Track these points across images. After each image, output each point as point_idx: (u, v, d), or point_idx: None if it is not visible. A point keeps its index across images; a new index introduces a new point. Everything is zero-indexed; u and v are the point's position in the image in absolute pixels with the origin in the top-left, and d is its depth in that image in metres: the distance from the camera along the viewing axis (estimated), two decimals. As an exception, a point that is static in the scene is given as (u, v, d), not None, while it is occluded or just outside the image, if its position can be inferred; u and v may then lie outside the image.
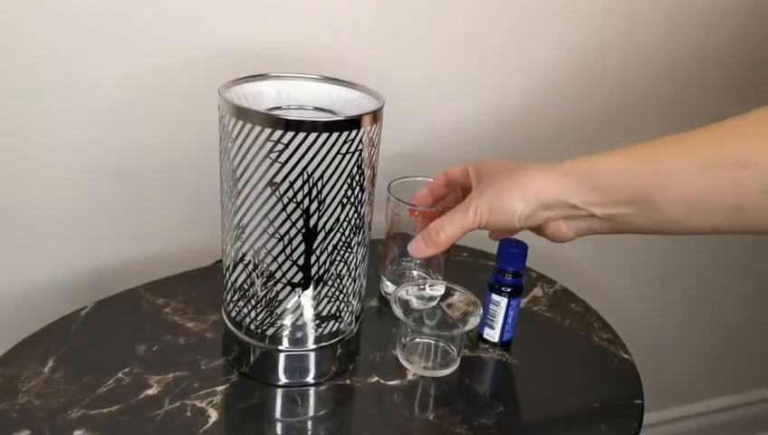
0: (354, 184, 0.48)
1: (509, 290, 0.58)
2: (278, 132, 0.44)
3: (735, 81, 0.90)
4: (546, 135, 0.84)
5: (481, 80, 0.78)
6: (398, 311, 0.55)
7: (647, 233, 0.51)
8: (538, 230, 0.54)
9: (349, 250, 0.50)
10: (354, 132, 0.46)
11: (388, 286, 0.65)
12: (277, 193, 0.46)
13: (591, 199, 0.49)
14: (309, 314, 0.51)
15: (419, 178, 0.65)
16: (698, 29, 0.85)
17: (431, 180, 0.62)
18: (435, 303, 0.60)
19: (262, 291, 0.50)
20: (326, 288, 0.50)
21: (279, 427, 0.50)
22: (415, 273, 0.64)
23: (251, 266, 0.49)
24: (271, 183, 0.46)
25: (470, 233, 0.67)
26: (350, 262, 0.51)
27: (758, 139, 0.44)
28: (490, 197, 0.51)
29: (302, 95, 0.53)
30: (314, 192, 0.46)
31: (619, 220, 0.50)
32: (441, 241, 0.53)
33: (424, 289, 0.60)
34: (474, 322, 0.56)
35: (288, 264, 0.48)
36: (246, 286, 0.50)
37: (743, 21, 0.86)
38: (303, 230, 0.47)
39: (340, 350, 0.54)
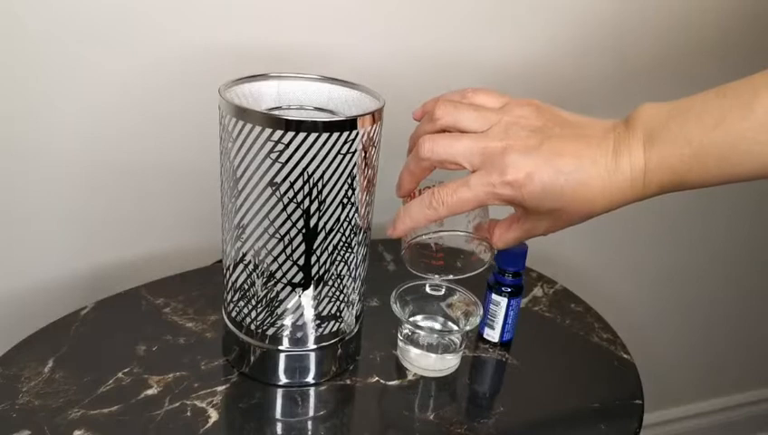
0: (354, 184, 0.48)
1: (509, 290, 0.58)
2: (278, 132, 0.44)
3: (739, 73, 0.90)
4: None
5: (481, 80, 0.78)
6: (398, 311, 0.55)
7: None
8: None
9: (349, 250, 0.50)
10: (354, 132, 0.46)
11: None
12: (277, 193, 0.46)
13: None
14: (309, 314, 0.51)
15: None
16: (700, 20, 0.85)
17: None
18: (435, 303, 0.60)
19: (262, 291, 0.50)
20: (326, 288, 0.50)
21: (279, 427, 0.50)
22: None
23: (251, 266, 0.49)
24: (271, 183, 0.46)
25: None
26: (351, 262, 0.51)
27: None
28: (559, 226, 0.47)
29: (302, 95, 0.53)
30: (315, 192, 0.46)
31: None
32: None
33: (425, 289, 0.60)
34: (474, 322, 0.56)
35: (288, 264, 0.48)
36: (247, 286, 0.50)
37: (746, 12, 0.86)
38: (304, 230, 0.47)
39: (340, 350, 0.54)
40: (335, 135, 0.45)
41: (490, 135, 0.44)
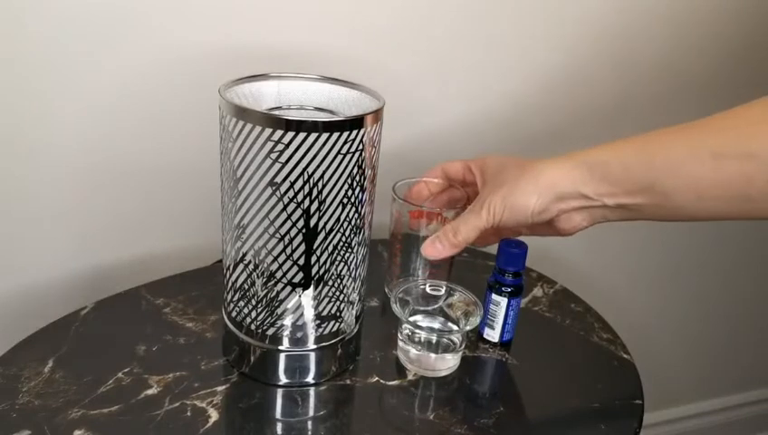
0: (355, 184, 0.48)
1: (509, 290, 0.58)
2: (278, 132, 0.44)
3: (738, 79, 0.90)
4: (546, 134, 0.85)
5: (482, 79, 0.78)
6: (398, 311, 0.55)
7: (658, 220, 0.51)
8: (548, 225, 0.54)
9: (349, 250, 0.50)
10: (354, 132, 0.46)
11: (393, 287, 0.65)
12: (277, 193, 0.46)
13: (603, 190, 0.50)
14: (309, 314, 0.51)
15: (425, 180, 0.65)
16: (700, 26, 0.85)
17: (429, 179, 0.63)
18: (435, 303, 0.60)
19: (262, 291, 0.50)
20: (326, 288, 0.50)
21: (279, 427, 0.50)
22: (420, 273, 0.64)
23: (251, 266, 0.49)
24: (271, 183, 0.46)
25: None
26: (351, 262, 0.51)
27: (763, 126, 0.44)
28: (503, 193, 0.52)
29: (302, 95, 0.53)
30: (315, 192, 0.46)
31: (631, 209, 0.50)
32: (459, 242, 0.54)
33: (425, 289, 0.60)
34: (474, 322, 0.56)
35: (288, 264, 0.48)
36: (247, 286, 0.50)
37: (745, 18, 0.86)
38: (304, 230, 0.47)
39: (340, 350, 0.54)
40: (335, 135, 0.45)
41: None
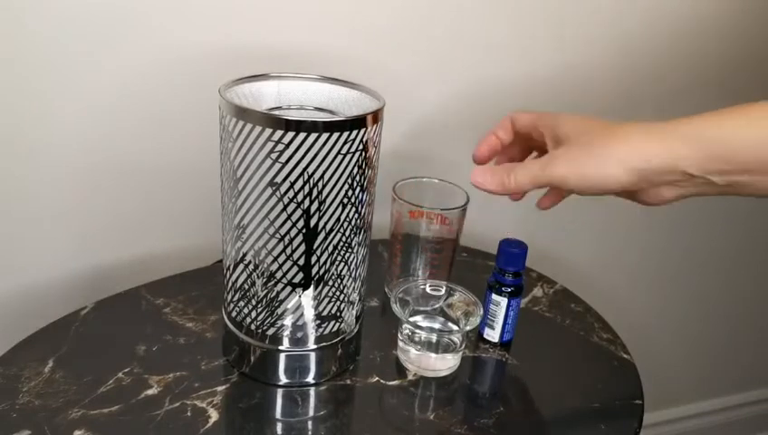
0: (355, 184, 0.48)
1: (509, 290, 0.58)
2: (278, 132, 0.44)
3: (748, 81, 0.91)
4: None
5: (482, 79, 0.78)
6: (398, 311, 0.55)
7: (760, 196, 0.46)
8: (628, 193, 0.49)
9: (349, 250, 0.50)
10: (354, 132, 0.46)
11: (393, 287, 0.65)
12: (278, 193, 0.46)
13: (713, 167, 0.44)
14: (309, 314, 0.51)
15: (425, 179, 0.65)
16: (701, 35, 0.85)
17: (483, 145, 0.57)
18: (435, 303, 0.60)
19: (262, 291, 0.50)
20: (327, 288, 0.50)
21: (279, 427, 0.50)
22: (420, 273, 0.64)
23: (251, 266, 0.49)
24: (271, 183, 0.46)
25: (469, 232, 0.68)
26: (351, 262, 0.51)
27: None
28: (581, 161, 0.47)
29: (302, 95, 0.53)
30: (315, 192, 0.46)
31: (740, 185, 0.45)
32: (509, 184, 0.50)
33: (425, 289, 0.60)
34: (474, 322, 0.56)
35: (289, 264, 0.48)
36: (247, 286, 0.50)
37: (758, 24, 0.87)
38: (304, 230, 0.47)
39: (340, 350, 0.54)
40: (335, 135, 0.45)
41: None
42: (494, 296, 0.58)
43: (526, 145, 0.56)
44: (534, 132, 0.53)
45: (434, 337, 0.57)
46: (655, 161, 0.45)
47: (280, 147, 0.44)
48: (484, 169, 0.51)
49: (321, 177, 0.46)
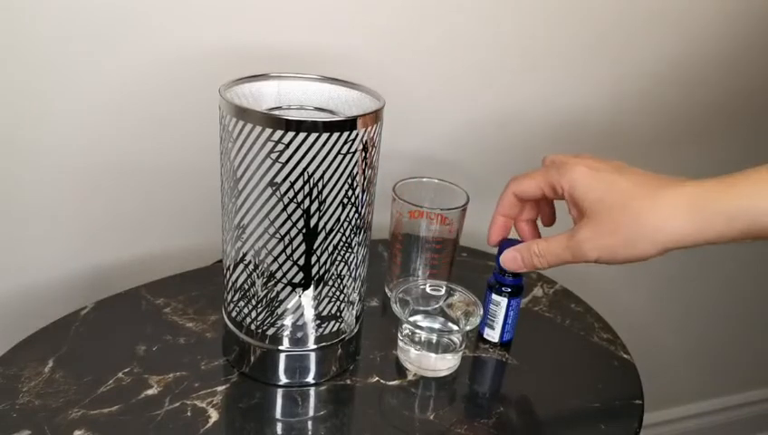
0: (355, 184, 0.48)
1: (509, 290, 0.58)
2: (278, 132, 0.44)
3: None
4: (546, 135, 0.85)
5: (482, 79, 0.78)
6: (398, 311, 0.55)
7: None
8: None
9: (349, 250, 0.50)
10: (354, 132, 0.46)
11: (393, 287, 0.65)
12: (278, 193, 0.46)
13: (742, 237, 0.44)
14: (309, 314, 0.51)
15: (425, 179, 0.65)
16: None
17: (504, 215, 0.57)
18: (435, 303, 0.60)
19: (262, 291, 0.50)
20: (327, 288, 0.50)
21: (279, 427, 0.50)
22: (420, 273, 0.64)
23: (251, 266, 0.49)
24: (271, 183, 0.46)
25: (469, 232, 0.68)
26: (351, 262, 0.51)
27: None
28: (611, 244, 0.46)
29: (302, 95, 0.53)
30: (315, 192, 0.46)
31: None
32: (541, 266, 0.52)
33: (425, 289, 0.60)
34: (474, 322, 0.56)
35: (289, 264, 0.48)
36: (247, 286, 0.50)
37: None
38: (304, 230, 0.47)
39: (340, 350, 0.54)
40: (335, 135, 0.45)
41: None
42: (494, 296, 0.58)
43: (538, 203, 0.56)
44: (547, 192, 0.52)
45: (434, 337, 0.57)
46: (687, 241, 0.44)
47: (280, 147, 0.44)
48: (513, 254, 0.54)
49: (321, 177, 0.46)
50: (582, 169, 0.48)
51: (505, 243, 0.58)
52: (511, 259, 0.54)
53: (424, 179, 0.65)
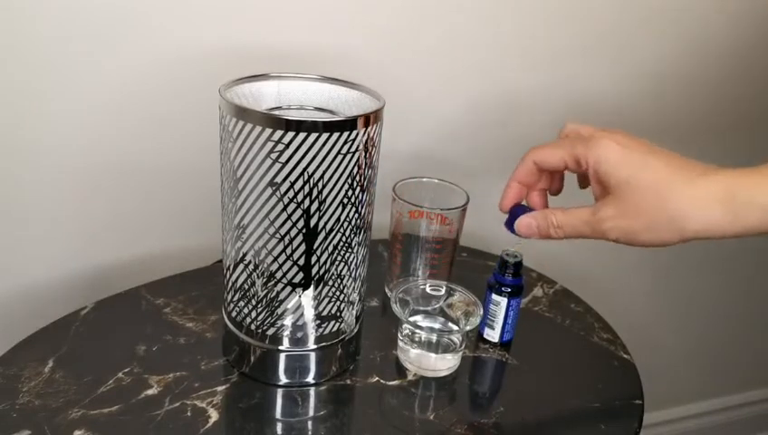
0: (355, 184, 0.48)
1: (509, 290, 0.58)
2: (278, 132, 0.44)
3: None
4: (545, 134, 0.84)
5: (482, 79, 0.78)
6: (398, 311, 0.55)
7: None
8: None
9: (349, 250, 0.50)
10: (354, 132, 0.46)
11: (393, 287, 0.65)
12: (278, 193, 0.46)
13: (763, 229, 0.42)
14: (309, 314, 0.51)
15: (425, 179, 0.65)
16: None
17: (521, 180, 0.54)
18: (435, 303, 0.60)
19: (262, 291, 0.50)
20: (327, 288, 0.50)
21: (279, 427, 0.50)
22: (420, 273, 0.64)
23: (251, 266, 0.49)
24: (271, 183, 0.46)
25: (469, 232, 0.67)
26: (351, 262, 0.51)
27: None
28: (634, 226, 0.45)
29: (302, 95, 0.53)
30: (315, 192, 0.46)
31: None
32: (557, 236, 0.49)
33: (425, 289, 0.60)
34: (474, 322, 0.56)
35: (289, 264, 0.48)
36: (247, 286, 0.50)
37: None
38: (304, 230, 0.47)
39: (340, 350, 0.54)
40: (335, 135, 0.45)
41: None
42: (494, 296, 0.58)
43: (554, 174, 0.53)
44: (570, 165, 0.49)
45: (434, 337, 0.57)
46: (715, 232, 0.43)
47: (280, 147, 0.44)
48: (529, 220, 0.50)
49: (321, 177, 0.46)
50: (612, 145, 0.46)
51: (518, 208, 0.54)
52: (526, 225, 0.51)
53: (424, 179, 0.65)
